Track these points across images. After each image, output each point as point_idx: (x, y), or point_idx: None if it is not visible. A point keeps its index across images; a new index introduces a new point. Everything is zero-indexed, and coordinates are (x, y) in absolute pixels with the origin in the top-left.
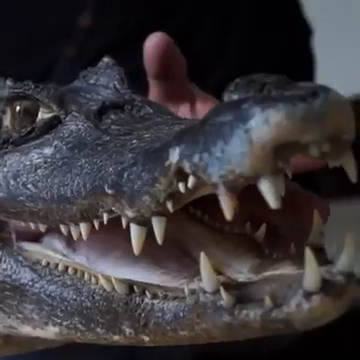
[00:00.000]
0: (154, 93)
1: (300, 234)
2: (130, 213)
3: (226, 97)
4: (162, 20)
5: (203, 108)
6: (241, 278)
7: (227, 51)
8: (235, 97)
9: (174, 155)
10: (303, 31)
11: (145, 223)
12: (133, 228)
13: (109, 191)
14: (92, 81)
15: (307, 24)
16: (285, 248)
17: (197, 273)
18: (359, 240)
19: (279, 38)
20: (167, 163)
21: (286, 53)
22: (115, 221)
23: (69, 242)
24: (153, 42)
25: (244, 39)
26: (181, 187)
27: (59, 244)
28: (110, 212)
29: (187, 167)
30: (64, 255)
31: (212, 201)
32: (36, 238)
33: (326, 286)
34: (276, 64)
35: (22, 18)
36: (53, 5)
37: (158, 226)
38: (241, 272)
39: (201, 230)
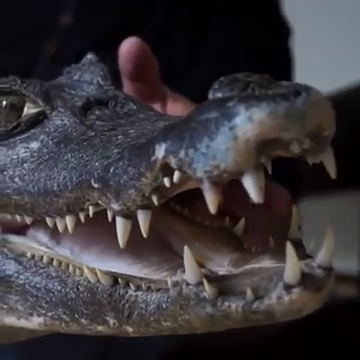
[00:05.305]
0: (128, 93)
1: (270, 226)
2: (116, 206)
3: (210, 95)
4: (142, 20)
5: (173, 107)
6: (222, 271)
7: (205, 52)
8: (219, 95)
9: (160, 151)
10: (282, 31)
11: (130, 216)
12: (119, 221)
13: (95, 185)
14: (76, 77)
15: (286, 24)
16: (262, 241)
17: (179, 266)
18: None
19: (258, 39)
20: (153, 158)
21: (265, 54)
22: (98, 217)
23: (53, 235)
24: (127, 47)
25: (222, 40)
26: (166, 181)
27: (44, 237)
28: (96, 205)
29: (173, 162)
30: (48, 247)
31: (192, 196)
32: (21, 231)
33: (306, 279)
34: (255, 65)
35: (2, 15)
36: (35, 3)
37: (143, 219)
38: (222, 265)
39: (182, 224)
